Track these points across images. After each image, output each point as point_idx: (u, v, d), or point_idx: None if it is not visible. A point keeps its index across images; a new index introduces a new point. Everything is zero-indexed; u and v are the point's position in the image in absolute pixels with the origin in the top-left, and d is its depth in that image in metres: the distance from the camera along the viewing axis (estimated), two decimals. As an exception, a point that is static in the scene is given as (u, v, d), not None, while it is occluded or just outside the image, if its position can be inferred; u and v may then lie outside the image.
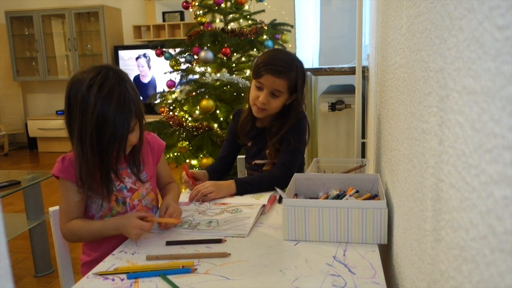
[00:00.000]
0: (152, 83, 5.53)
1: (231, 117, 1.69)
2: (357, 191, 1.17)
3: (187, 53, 2.85)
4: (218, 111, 2.72)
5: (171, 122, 2.75)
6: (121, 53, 5.61)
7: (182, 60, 2.90)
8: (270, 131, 1.52)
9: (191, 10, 2.91)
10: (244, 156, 1.72)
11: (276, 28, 2.96)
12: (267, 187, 1.36)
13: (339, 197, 1.13)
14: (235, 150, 1.67)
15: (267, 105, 1.46)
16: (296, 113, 1.50)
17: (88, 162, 1.07)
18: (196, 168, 2.68)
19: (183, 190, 1.46)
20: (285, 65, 1.43)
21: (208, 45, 2.75)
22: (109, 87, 1.03)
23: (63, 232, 1.13)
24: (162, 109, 2.88)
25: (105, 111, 1.02)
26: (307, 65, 3.25)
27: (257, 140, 1.58)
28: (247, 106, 1.58)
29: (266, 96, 1.44)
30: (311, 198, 1.20)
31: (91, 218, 1.17)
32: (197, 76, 2.88)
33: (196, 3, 2.87)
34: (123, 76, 1.08)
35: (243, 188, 1.36)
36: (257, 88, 1.47)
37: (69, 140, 1.12)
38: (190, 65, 2.94)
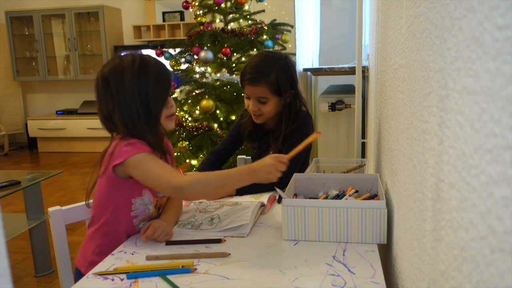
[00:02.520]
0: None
1: (240, 115, 1.70)
2: (356, 191, 1.17)
3: (187, 53, 2.85)
4: (218, 111, 2.72)
5: (171, 122, 2.74)
6: (121, 53, 5.62)
7: (182, 60, 2.90)
8: (274, 133, 1.52)
9: (191, 10, 2.91)
10: (244, 156, 1.72)
11: (276, 28, 2.96)
12: (268, 188, 1.36)
13: (338, 197, 1.13)
14: (235, 147, 1.66)
15: (259, 111, 1.47)
16: (296, 112, 1.49)
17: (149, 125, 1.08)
18: (196, 168, 2.68)
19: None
20: (260, 71, 1.43)
21: (208, 45, 2.75)
22: (144, 61, 1.10)
23: (180, 181, 0.98)
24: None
25: (146, 80, 1.08)
26: (307, 65, 3.25)
27: (262, 141, 1.58)
28: None
29: (255, 104, 1.46)
30: (310, 198, 1.20)
31: (131, 219, 1.10)
32: (197, 76, 2.88)
33: (196, 3, 2.87)
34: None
35: (242, 188, 1.36)
36: (246, 97, 1.49)
37: (110, 125, 1.10)
38: (190, 65, 2.93)
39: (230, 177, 1.03)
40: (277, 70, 1.44)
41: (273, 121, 1.54)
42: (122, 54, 1.15)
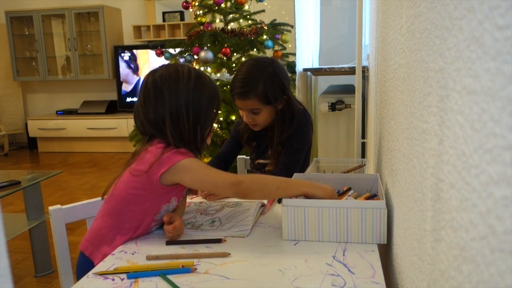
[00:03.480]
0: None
1: (239, 117, 1.70)
2: (349, 188, 1.17)
3: (187, 53, 2.85)
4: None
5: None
6: (121, 53, 5.62)
7: (182, 60, 2.90)
8: (271, 135, 1.51)
9: (191, 10, 2.91)
10: (244, 156, 1.72)
11: (276, 28, 2.96)
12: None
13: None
14: (238, 148, 1.66)
15: (254, 122, 1.47)
16: (291, 116, 1.48)
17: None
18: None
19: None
20: (246, 85, 1.42)
21: (208, 45, 2.75)
22: (196, 77, 1.13)
23: (241, 178, 1.03)
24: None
25: (200, 95, 1.12)
26: (307, 65, 3.25)
27: (261, 140, 1.58)
28: None
29: (248, 116, 1.47)
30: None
31: (151, 222, 1.10)
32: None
33: (196, 3, 2.87)
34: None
35: None
36: (240, 109, 1.50)
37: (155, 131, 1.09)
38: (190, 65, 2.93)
39: (283, 180, 1.07)
40: (264, 80, 1.42)
41: (270, 123, 1.53)
42: (174, 63, 1.17)
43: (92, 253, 1.09)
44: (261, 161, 1.57)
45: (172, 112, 1.08)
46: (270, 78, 1.43)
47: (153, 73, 1.12)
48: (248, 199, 1.10)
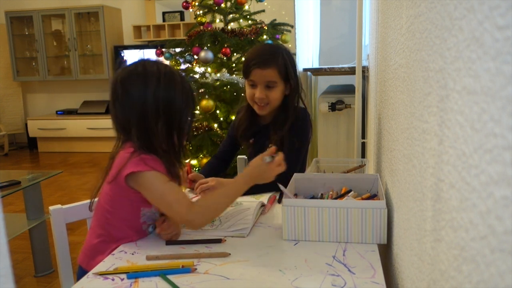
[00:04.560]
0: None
1: (236, 114, 1.69)
2: (350, 190, 1.17)
3: (187, 53, 2.85)
4: (218, 111, 2.72)
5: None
6: (121, 53, 5.62)
7: (182, 60, 2.90)
8: (274, 125, 1.49)
9: (191, 10, 2.91)
10: (244, 156, 1.71)
11: (276, 28, 2.96)
12: (269, 188, 1.36)
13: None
14: (236, 147, 1.66)
15: (266, 99, 1.43)
16: (293, 103, 1.47)
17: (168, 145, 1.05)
18: (196, 168, 2.68)
19: (184, 190, 1.46)
20: (269, 54, 1.43)
21: (208, 45, 2.75)
22: (169, 75, 1.06)
23: (191, 216, 0.99)
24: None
25: (172, 94, 1.04)
26: (307, 65, 3.25)
27: (259, 137, 1.56)
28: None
29: (262, 91, 1.43)
30: (311, 198, 1.20)
31: (140, 225, 1.09)
32: (197, 76, 2.88)
33: (196, 3, 2.87)
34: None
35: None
36: (251, 86, 1.46)
37: (125, 136, 1.05)
38: (190, 65, 2.93)
39: (231, 192, 1.05)
40: (283, 55, 1.44)
41: (271, 115, 1.51)
42: (144, 59, 1.08)
43: (89, 264, 1.07)
44: None
45: (139, 113, 1.01)
46: (287, 55, 1.46)
47: (121, 70, 1.05)
48: (201, 224, 1.05)
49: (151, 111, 1.02)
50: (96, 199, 1.11)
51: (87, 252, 1.11)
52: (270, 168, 1.07)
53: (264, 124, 1.54)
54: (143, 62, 1.06)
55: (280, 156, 1.09)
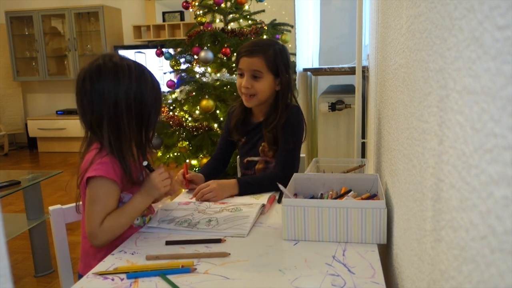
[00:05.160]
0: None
1: (227, 115, 1.69)
2: (350, 190, 1.17)
3: (187, 53, 2.85)
4: (218, 111, 2.72)
5: (171, 122, 2.75)
6: (121, 53, 5.61)
7: (182, 60, 2.90)
8: (266, 123, 1.49)
9: (191, 10, 2.91)
10: (244, 156, 1.71)
11: (276, 28, 2.96)
12: (269, 188, 1.36)
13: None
14: (232, 146, 1.65)
15: (252, 89, 1.44)
16: (284, 100, 1.48)
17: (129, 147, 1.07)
18: (196, 168, 2.68)
19: (183, 191, 1.46)
20: (258, 45, 1.45)
21: (208, 45, 2.75)
22: (139, 70, 1.05)
23: (99, 235, 1.03)
24: (162, 109, 2.87)
25: (143, 89, 1.04)
26: (307, 65, 3.25)
27: (251, 135, 1.55)
28: None
29: (248, 80, 1.44)
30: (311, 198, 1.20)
31: None
32: (197, 76, 2.88)
33: (196, 3, 2.87)
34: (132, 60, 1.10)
35: (245, 189, 1.35)
36: (239, 76, 1.48)
37: (93, 135, 1.06)
38: (190, 65, 2.93)
39: (134, 210, 1.07)
40: (274, 49, 1.45)
41: (263, 113, 1.52)
42: (110, 54, 1.06)
43: (85, 271, 1.09)
44: (251, 158, 1.56)
45: (110, 110, 1.01)
46: (279, 49, 1.47)
47: (88, 65, 1.03)
48: (103, 242, 1.06)
49: (123, 108, 1.01)
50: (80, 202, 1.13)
51: (83, 259, 1.14)
52: (152, 177, 1.08)
53: (257, 122, 1.54)
54: (110, 56, 1.05)
55: (159, 168, 1.12)
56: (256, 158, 1.54)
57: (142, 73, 1.05)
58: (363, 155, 2.47)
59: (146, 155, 1.12)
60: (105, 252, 1.04)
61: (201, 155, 2.71)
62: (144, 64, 1.10)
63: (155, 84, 1.08)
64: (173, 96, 2.87)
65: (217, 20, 2.99)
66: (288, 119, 1.46)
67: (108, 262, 0.93)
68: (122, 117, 1.02)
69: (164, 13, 5.56)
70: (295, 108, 1.51)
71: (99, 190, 1.03)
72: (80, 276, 1.12)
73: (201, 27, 2.81)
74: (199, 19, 2.79)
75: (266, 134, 1.49)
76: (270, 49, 1.44)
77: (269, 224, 1.12)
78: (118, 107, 1.02)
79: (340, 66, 2.99)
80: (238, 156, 1.73)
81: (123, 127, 1.03)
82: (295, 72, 2.80)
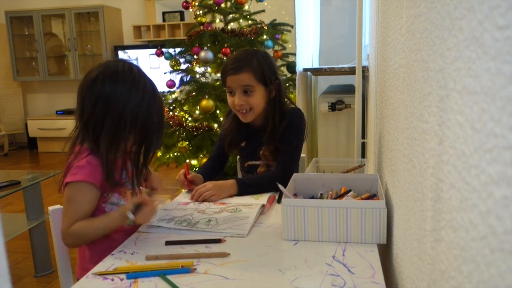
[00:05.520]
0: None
1: (225, 116, 1.68)
2: (349, 190, 1.17)
3: (187, 53, 2.85)
4: (218, 111, 2.73)
5: (171, 122, 2.75)
6: (121, 53, 5.62)
7: (182, 60, 2.90)
8: (265, 131, 1.48)
9: (191, 10, 2.91)
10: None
11: (276, 28, 2.96)
12: (268, 188, 1.36)
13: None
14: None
15: (247, 105, 1.42)
16: (282, 105, 1.47)
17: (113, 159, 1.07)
18: (196, 168, 2.68)
19: (183, 191, 1.45)
20: (241, 60, 1.42)
21: (208, 45, 2.75)
22: (152, 89, 1.06)
23: (65, 236, 1.06)
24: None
25: (152, 109, 1.05)
26: (307, 65, 3.25)
27: (250, 140, 1.54)
28: None
29: (241, 97, 1.41)
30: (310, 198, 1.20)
31: None
32: (197, 76, 2.88)
33: (196, 3, 2.87)
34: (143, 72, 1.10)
35: (244, 189, 1.35)
36: (230, 94, 1.45)
37: (84, 137, 1.07)
38: (190, 65, 2.93)
39: (107, 225, 1.05)
40: (258, 58, 1.43)
41: (260, 118, 1.49)
42: (127, 61, 1.07)
43: (82, 275, 1.09)
44: (252, 162, 1.55)
45: (114, 120, 1.01)
46: (262, 58, 1.45)
47: (104, 68, 1.04)
48: (70, 245, 1.07)
49: (127, 122, 1.02)
50: None
51: (80, 263, 1.16)
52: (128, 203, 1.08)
53: (255, 126, 1.52)
54: (129, 66, 1.05)
55: (147, 200, 1.06)
56: (257, 162, 1.54)
57: (154, 94, 1.06)
58: (363, 155, 2.47)
59: (140, 177, 1.13)
60: (100, 257, 1.03)
61: (201, 155, 2.71)
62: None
63: (162, 107, 1.09)
64: (173, 96, 2.87)
65: (217, 20, 2.99)
66: (290, 121, 1.46)
67: (108, 262, 0.93)
68: (124, 130, 1.03)
69: (164, 13, 5.56)
70: (296, 110, 1.51)
71: (76, 193, 1.05)
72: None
73: (201, 27, 2.81)
74: (199, 19, 2.79)
75: (266, 145, 1.48)
76: (254, 60, 1.41)
77: (269, 224, 1.12)
78: (122, 119, 1.02)
79: (340, 66, 2.99)
80: (238, 157, 1.73)
81: (122, 139, 1.04)
82: (294, 72, 2.80)
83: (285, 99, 1.50)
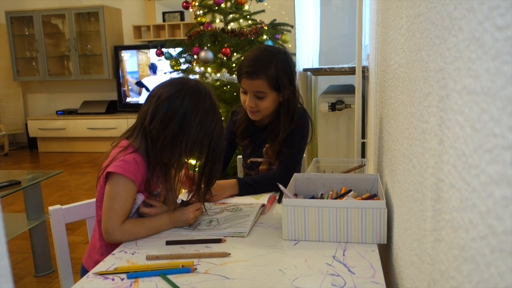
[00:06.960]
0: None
1: (230, 115, 1.68)
2: (350, 190, 1.17)
3: (187, 53, 2.85)
4: (218, 111, 2.72)
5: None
6: (121, 53, 5.62)
7: (182, 60, 2.90)
8: (271, 131, 1.48)
9: (191, 10, 2.91)
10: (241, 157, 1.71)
11: (276, 28, 2.96)
12: (269, 188, 1.36)
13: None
14: (232, 149, 1.65)
15: (256, 108, 1.42)
16: (294, 111, 1.46)
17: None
18: (196, 168, 2.68)
19: (183, 191, 1.45)
20: (259, 65, 1.38)
21: (208, 45, 2.75)
22: (220, 118, 1.16)
23: (117, 233, 1.04)
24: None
25: (220, 133, 1.15)
26: (307, 65, 3.25)
27: (255, 138, 1.55)
28: None
29: (252, 99, 1.41)
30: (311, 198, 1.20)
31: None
32: (197, 76, 2.88)
33: (196, 3, 2.87)
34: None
35: (245, 189, 1.35)
36: (243, 92, 1.45)
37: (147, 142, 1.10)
38: (190, 65, 2.93)
39: (155, 227, 1.09)
40: (276, 64, 1.39)
41: (268, 117, 1.49)
42: (208, 91, 1.14)
43: (89, 264, 1.12)
44: (255, 159, 1.55)
45: (187, 144, 1.07)
46: (281, 63, 1.40)
47: (186, 84, 1.10)
48: (118, 241, 1.07)
49: (192, 143, 1.08)
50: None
51: (89, 252, 1.14)
52: (188, 211, 1.12)
53: (261, 125, 1.53)
54: (209, 92, 1.13)
55: (197, 203, 1.16)
56: (259, 159, 1.54)
57: (221, 123, 1.14)
58: (363, 155, 2.47)
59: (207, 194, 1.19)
60: (109, 251, 1.04)
61: (201, 155, 2.71)
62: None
63: (222, 135, 1.16)
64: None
65: (217, 20, 2.99)
66: (297, 123, 1.46)
67: (108, 262, 0.93)
68: (185, 150, 1.08)
69: (164, 13, 5.56)
70: (302, 110, 1.50)
71: (119, 187, 1.05)
72: (82, 266, 1.16)
73: (201, 27, 2.81)
74: (199, 19, 2.79)
75: (271, 144, 1.48)
76: (272, 66, 1.38)
77: (269, 224, 1.13)
78: (198, 140, 1.09)
79: (340, 66, 2.99)
80: (238, 157, 1.73)
81: (179, 154, 1.09)
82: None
83: (296, 102, 1.49)
